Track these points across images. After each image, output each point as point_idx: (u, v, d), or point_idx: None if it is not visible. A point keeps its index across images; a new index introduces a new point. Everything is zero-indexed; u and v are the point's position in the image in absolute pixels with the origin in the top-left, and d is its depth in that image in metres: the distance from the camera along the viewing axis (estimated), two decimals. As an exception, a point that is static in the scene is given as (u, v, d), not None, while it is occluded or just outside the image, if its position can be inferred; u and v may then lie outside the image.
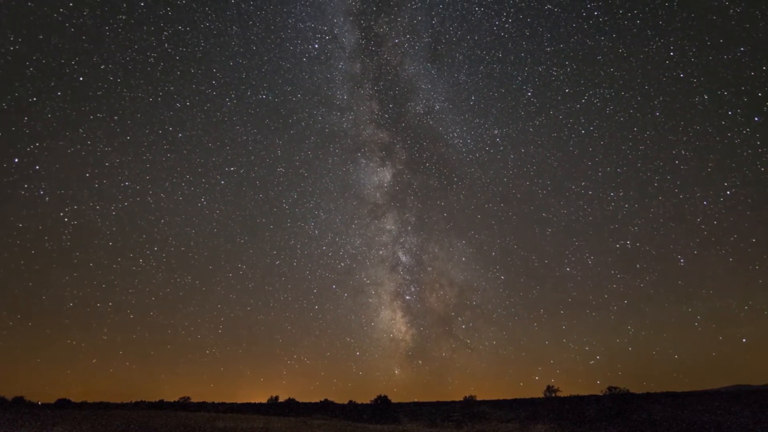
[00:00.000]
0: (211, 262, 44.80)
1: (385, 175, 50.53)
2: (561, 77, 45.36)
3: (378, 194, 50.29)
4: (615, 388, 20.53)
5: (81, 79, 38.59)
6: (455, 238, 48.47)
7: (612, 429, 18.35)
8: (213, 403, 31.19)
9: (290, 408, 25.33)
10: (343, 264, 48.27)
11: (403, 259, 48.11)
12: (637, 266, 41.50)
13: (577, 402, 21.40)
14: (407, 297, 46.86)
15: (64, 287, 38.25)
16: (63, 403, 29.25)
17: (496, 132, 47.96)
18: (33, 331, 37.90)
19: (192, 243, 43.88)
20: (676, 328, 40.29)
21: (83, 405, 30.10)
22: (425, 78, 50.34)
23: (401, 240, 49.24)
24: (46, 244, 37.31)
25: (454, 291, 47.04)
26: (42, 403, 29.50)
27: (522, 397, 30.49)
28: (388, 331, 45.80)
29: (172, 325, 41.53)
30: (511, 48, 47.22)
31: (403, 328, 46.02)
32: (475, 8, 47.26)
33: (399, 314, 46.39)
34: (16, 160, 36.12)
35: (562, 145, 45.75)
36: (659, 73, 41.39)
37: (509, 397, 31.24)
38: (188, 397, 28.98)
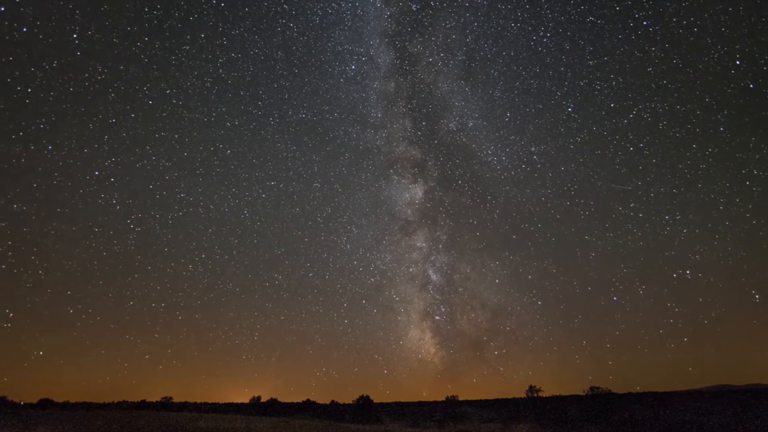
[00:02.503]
0: (250, 270, 47.68)
1: (417, 192, 50.21)
2: (605, 91, 42.39)
3: (409, 211, 49.97)
4: (597, 388, 20.35)
5: (150, 102, 44.76)
6: (488, 259, 46.87)
7: (594, 429, 18.15)
8: (195, 403, 30.96)
9: (272, 408, 25.11)
10: (373, 280, 48.16)
11: (434, 277, 46.78)
12: (700, 300, 36.43)
13: (559, 402, 21.20)
14: (437, 317, 45.35)
15: (127, 287, 42.26)
16: (45, 403, 29.01)
17: (533, 149, 45.92)
18: (99, 325, 41.40)
19: (234, 252, 47.18)
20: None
21: (65, 405, 29.86)
22: (459, 95, 49.80)
23: (432, 258, 48.09)
24: (115, 248, 42.60)
25: (487, 314, 44.90)
26: (24, 403, 29.31)
27: (504, 397, 30.26)
28: (417, 351, 44.42)
29: (214, 328, 45.25)
30: (549, 63, 45.39)
31: (432, 349, 44.37)
32: (510, 24, 46.21)
33: (428, 334, 44.79)
34: (97, 173, 42.49)
35: (607, 163, 42.47)
36: (723, 85, 37.95)
37: (491, 397, 31.11)
38: (170, 397, 28.78)
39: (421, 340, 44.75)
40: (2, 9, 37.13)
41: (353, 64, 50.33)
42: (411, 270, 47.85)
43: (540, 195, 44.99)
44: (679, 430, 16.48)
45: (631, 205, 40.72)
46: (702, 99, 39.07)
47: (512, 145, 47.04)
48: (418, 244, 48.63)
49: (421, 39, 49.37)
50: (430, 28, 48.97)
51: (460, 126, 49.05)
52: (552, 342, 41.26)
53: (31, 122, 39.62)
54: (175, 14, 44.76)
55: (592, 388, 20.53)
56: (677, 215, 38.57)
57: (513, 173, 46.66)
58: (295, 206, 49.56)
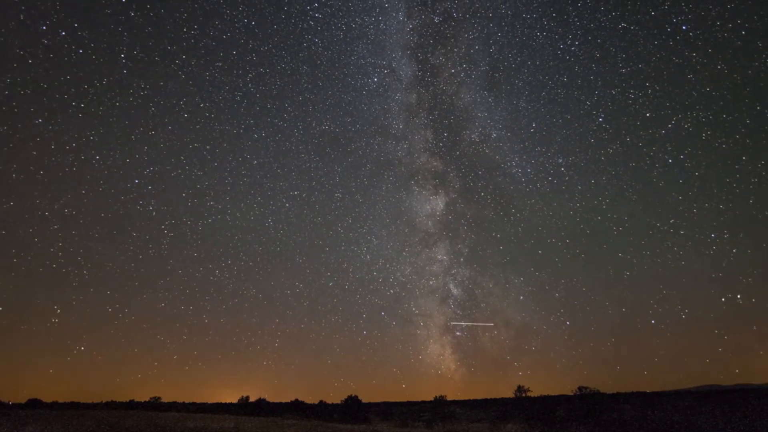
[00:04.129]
0: (273, 278, 48.66)
1: (438, 203, 49.38)
2: (641, 100, 39.34)
3: (430, 223, 49.16)
4: (585, 388, 20.19)
5: (185, 116, 47.50)
6: (512, 274, 45.55)
7: (582, 429, 18.00)
8: (183, 403, 30.80)
9: (261, 408, 24.97)
10: (392, 291, 47.70)
11: (455, 291, 45.25)
12: (754, 328, 33.50)
13: (548, 402, 21.05)
14: (458, 333, 43.29)
15: (159, 290, 44.04)
16: (33, 403, 28.84)
17: (560, 161, 43.65)
18: (134, 325, 42.90)
19: (258, 259, 48.34)
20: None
21: (53, 405, 29.68)
22: (482, 106, 48.81)
23: (453, 271, 46.63)
24: (150, 252, 44.99)
25: (511, 332, 42.89)
26: (12, 403, 29.14)
27: (492, 397, 30.04)
28: (436, 367, 42.24)
29: (237, 333, 47.13)
30: (578, 71, 43.19)
31: (452, 366, 41.93)
32: (536, 33, 44.76)
33: (448, 350, 42.65)
34: (137, 181, 45.45)
35: (643, 175, 39.26)
36: (775, 91, 33.92)
37: (480, 398, 30.86)
38: (159, 397, 28.64)
39: (440, 356, 42.61)
40: (63, 33, 41.27)
41: (375, 77, 50.93)
42: (431, 283, 46.86)
43: (568, 209, 42.62)
44: (667, 430, 16.34)
45: (671, 221, 37.24)
46: (752, 107, 35.70)
47: (538, 156, 45.15)
48: (439, 257, 47.45)
49: (443, 50, 49.11)
50: (452, 40, 48.63)
51: (483, 137, 47.78)
52: (582, 365, 38.75)
53: (82, 135, 43.05)
54: (210, 33, 47.46)
55: (580, 388, 20.36)
56: (725, 234, 34.63)
57: (539, 186, 44.59)
58: (317, 216, 50.31)
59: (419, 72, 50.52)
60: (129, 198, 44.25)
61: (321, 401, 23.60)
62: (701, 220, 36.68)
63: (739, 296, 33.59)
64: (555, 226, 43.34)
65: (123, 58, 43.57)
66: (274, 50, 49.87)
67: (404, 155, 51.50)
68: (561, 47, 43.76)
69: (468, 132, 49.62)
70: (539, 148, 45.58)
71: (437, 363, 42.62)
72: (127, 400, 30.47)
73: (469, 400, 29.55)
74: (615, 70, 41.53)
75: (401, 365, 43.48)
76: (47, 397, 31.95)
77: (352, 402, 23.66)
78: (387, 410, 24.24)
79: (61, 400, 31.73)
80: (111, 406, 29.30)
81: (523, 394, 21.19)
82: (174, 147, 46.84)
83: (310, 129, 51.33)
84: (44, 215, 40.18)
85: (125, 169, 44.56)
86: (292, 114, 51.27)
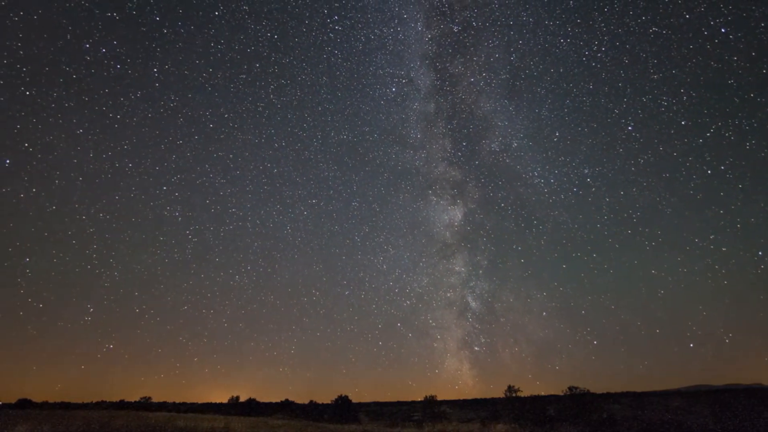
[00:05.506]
0: (290, 284, 49.52)
1: (456, 213, 48.46)
2: (674, 108, 36.60)
3: (448, 233, 48.21)
4: (575, 387, 20.06)
5: (211, 126, 49.52)
6: (534, 289, 43.77)
7: (572, 429, 17.90)
8: (174, 402, 30.60)
9: (251, 408, 24.80)
10: (408, 302, 46.99)
11: (473, 304, 43.85)
12: None
13: (538, 402, 20.93)
14: (476, 348, 41.33)
15: (182, 293, 45.30)
16: (24, 403, 28.65)
17: (586, 171, 41.58)
18: (159, 326, 43.51)
19: (276, 266, 49.44)
20: None
21: (44, 405, 29.50)
22: (502, 115, 47.92)
23: (471, 284, 45.43)
24: (175, 255, 46.55)
25: (532, 349, 41.22)
26: (2, 403, 28.94)
27: (483, 396, 29.85)
28: (454, 382, 41.43)
29: (255, 338, 48.09)
30: (604, 78, 40.65)
31: (470, 382, 40.51)
32: (559, 40, 42.95)
33: (466, 365, 40.83)
34: (165, 188, 47.41)
35: (678, 187, 36.59)
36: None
37: (470, 397, 30.60)
38: (149, 397, 28.47)
39: (458, 371, 40.91)
40: (103, 50, 44.79)
41: (394, 87, 51.50)
42: (449, 295, 45.64)
43: (595, 222, 40.12)
44: (657, 430, 16.24)
45: (711, 237, 34.19)
46: (800, 113, 30.95)
47: (562, 166, 42.82)
48: (457, 268, 46.20)
49: (462, 59, 48.56)
50: (471, 48, 48.01)
51: (503, 146, 46.55)
52: (609, 386, 37.58)
53: (117, 144, 45.65)
54: (235, 47, 49.36)
55: (570, 388, 20.23)
56: (775, 252, 29.02)
57: (563, 197, 42.28)
58: (334, 224, 51.23)
59: (438, 81, 50.12)
60: (157, 204, 45.81)
61: (311, 401, 23.55)
62: (746, 237, 33.48)
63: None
64: (581, 240, 40.83)
65: (156, 72, 46.03)
66: (295, 62, 51.25)
67: (422, 164, 51.12)
68: (586, 54, 41.42)
69: (488, 141, 48.60)
70: (563, 158, 43.29)
71: (454, 378, 40.91)
72: (118, 400, 30.29)
73: (459, 400, 29.41)
74: (646, 77, 38.71)
75: (417, 378, 42.32)
76: (76, 397, 31.92)
77: (343, 402, 23.50)
78: (377, 410, 24.08)
79: (68, 400, 31.86)
80: (101, 406, 29.12)
81: (514, 394, 21.05)
82: (200, 155, 48.58)
83: (329, 138, 52.54)
84: (82, 218, 42.23)
85: (155, 176, 46.61)
86: (312, 124, 52.53)
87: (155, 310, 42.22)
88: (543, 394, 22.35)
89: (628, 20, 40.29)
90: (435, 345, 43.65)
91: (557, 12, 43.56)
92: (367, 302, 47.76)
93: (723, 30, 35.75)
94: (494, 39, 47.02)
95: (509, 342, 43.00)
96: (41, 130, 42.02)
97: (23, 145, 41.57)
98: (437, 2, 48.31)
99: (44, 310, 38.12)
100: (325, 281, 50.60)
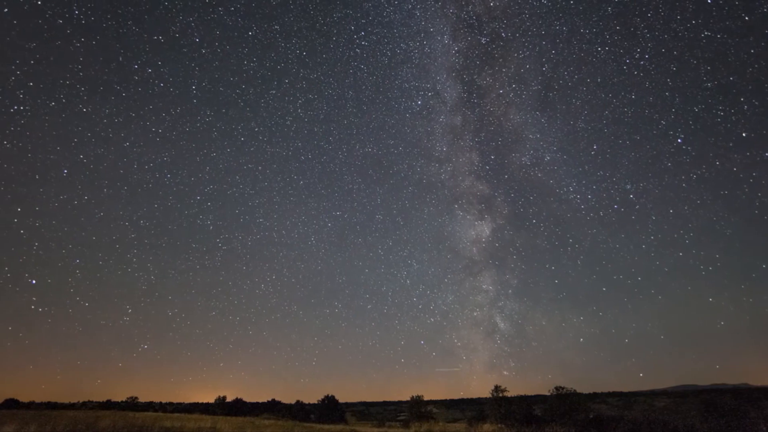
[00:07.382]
0: (314, 295, 53.33)
1: (484, 229, 46.68)
2: (733, 118, 31.40)
3: (474, 249, 46.38)
4: (562, 387, 19.90)
5: (242, 139, 52.95)
6: (569, 312, 41.53)
7: (559, 428, 17.76)
8: (161, 402, 30.38)
9: (238, 408, 24.60)
10: (433, 320, 46.01)
11: (502, 325, 41.62)
12: None
13: (524, 402, 20.77)
14: (505, 372, 38.73)
15: (211, 299, 49.13)
16: (10, 403, 28.44)
17: (628, 187, 36.98)
18: (189, 330, 46.27)
19: (300, 276, 52.57)
20: None
21: (30, 404, 29.29)
22: (533, 127, 46.30)
23: (500, 303, 43.49)
24: (206, 262, 50.08)
25: (569, 378, 38.17)
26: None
27: (470, 396, 29.61)
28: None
29: (278, 347, 48.29)
30: (649, 88, 36.61)
31: None
32: (596, 48, 38.99)
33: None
34: (198, 197, 50.87)
35: (740, 206, 31.90)
36: None
37: (456, 397, 30.29)
38: (136, 397, 28.24)
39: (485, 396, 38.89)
40: (149, 70, 48.29)
41: (419, 100, 51.67)
42: (475, 314, 43.67)
43: (640, 242, 35.42)
44: (644, 429, 16.10)
45: None
46: None
47: (600, 181, 38.47)
48: (484, 287, 44.15)
49: (490, 71, 47.31)
50: (500, 60, 46.71)
51: (534, 160, 44.73)
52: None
53: (158, 156, 48.70)
54: (266, 64, 52.49)
55: (557, 388, 20.08)
56: None
57: (602, 214, 37.92)
58: (358, 237, 51.78)
59: (465, 93, 49.14)
60: (191, 213, 49.49)
61: (298, 401, 23.33)
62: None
63: None
64: (623, 261, 37.00)
65: (194, 89, 49.62)
66: (322, 77, 54.75)
67: (448, 178, 50.32)
68: (627, 62, 37.79)
69: (518, 154, 46.59)
70: (601, 172, 39.60)
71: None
72: (105, 400, 30.08)
73: (446, 400, 29.18)
74: (697, 85, 34.74)
75: (439, 401, 39.86)
76: (118, 396, 31.88)
77: (330, 402, 23.33)
78: (364, 410, 23.86)
79: (48, 400, 31.57)
80: (88, 406, 28.92)
81: (500, 394, 20.89)
82: (231, 167, 51.25)
83: (354, 151, 55.27)
84: (125, 225, 46.13)
85: (190, 186, 50.01)
86: (337, 137, 55.83)
87: (186, 314, 44.76)
88: (529, 394, 22.16)
89: (675, 25, 37.21)
90: (460, 366, 40.83)
91: (594, 19, 41.04)
92: (390, 317, 47.65)
93: (787, 32, 28.49)
94: (525, 49, 45.41)
95: (542, 368, 40.41)
96: (94, 143, 46.19)
97: (78, 157, 46.03)
98: (465, 15, 47.98)
99: (89, 309, 39.39)
100: (348, 294, 51.48)
